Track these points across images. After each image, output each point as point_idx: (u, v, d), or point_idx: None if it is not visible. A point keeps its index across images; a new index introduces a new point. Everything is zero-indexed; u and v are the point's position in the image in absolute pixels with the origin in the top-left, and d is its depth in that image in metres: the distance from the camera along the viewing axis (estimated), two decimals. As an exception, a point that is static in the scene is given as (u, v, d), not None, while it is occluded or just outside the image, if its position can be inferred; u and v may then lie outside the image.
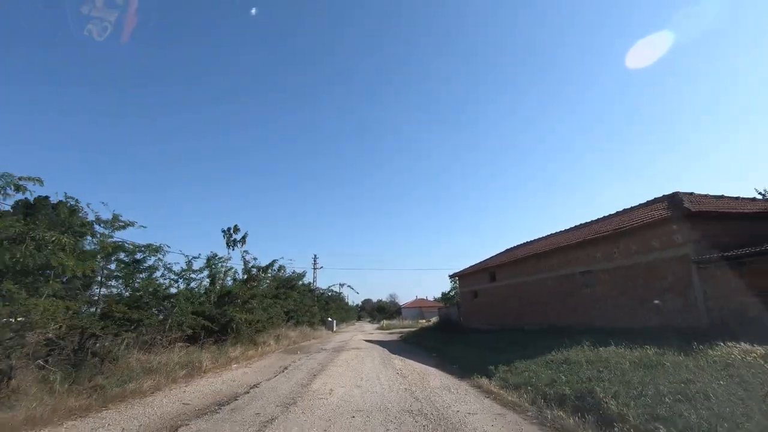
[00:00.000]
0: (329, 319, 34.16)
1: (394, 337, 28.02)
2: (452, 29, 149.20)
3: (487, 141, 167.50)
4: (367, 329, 42.67)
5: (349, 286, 41.22)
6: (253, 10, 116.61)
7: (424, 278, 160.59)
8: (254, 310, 17.28)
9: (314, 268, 40.86)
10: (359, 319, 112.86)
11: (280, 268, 25.09)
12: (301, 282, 33.46)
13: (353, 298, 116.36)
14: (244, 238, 16.92)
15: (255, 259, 18.24)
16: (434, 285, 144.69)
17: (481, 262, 24.60)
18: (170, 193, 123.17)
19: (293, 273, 31.59)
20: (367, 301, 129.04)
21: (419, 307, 79.68)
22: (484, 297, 22.70)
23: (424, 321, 49.50)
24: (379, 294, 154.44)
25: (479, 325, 22.65)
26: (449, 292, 35.32)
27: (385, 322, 43.14)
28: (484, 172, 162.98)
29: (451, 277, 27.10)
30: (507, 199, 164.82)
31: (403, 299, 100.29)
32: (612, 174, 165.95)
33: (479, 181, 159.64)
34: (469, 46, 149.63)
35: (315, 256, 41.29)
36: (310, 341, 24.33)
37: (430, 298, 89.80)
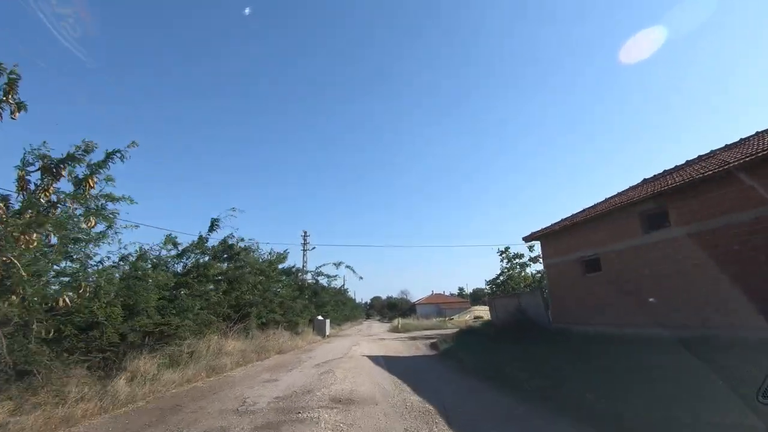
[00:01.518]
0: (319, 317, 22.46)
1: (422, 347, 16.28)
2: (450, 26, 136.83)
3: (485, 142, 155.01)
4: (377, 331, 31.03)
5: (348, 266, 27.67)
6: (247, 10, 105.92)
7: (438, 273, 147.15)
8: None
9: (303, 249, 29.07)
10: (368, 317, 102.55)
11: (212, 224, 13.49)
12: (280, 266, 22.02)
13: (361, 295, 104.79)
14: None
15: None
16: (452, 281, 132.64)
17: (611, 198, 12.49)
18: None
19: (272, 253, 20.01)
20: (376, 299, 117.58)
21: (436, 304, 67.67)
22: (625, 269, 10.75)
23: (445, 319, 37.70)
24: (388, 291, 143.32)
25: (600, 325, 10.82)
26: (498, 276, 23.36)
27: (400, 321, 31.35)
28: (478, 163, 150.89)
29: (527, 239, 15.12)
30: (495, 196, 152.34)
31: (416, 296, 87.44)
32: (610, 171, 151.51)
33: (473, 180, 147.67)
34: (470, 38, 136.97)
35: (305, 233, 29.38)
36: (263, 361, 12.67)
37: (448, 293, 77.97)
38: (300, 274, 27.09)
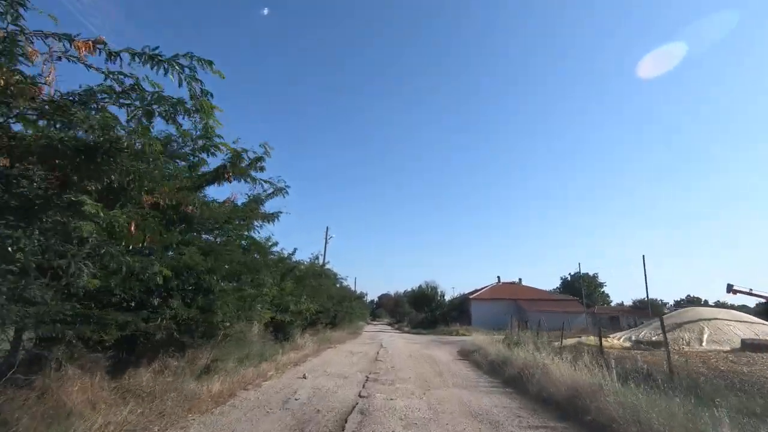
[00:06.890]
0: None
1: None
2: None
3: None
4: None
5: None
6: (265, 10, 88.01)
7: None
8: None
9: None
10: (374, 318, 73.12)
11: None
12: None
13: (364, 290, 74.66)
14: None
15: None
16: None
17: None
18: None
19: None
20: (385, 297, 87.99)
21: (513, 300, 36.86)
22: None
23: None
24: (403, 286, 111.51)
25: None
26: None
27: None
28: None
29: None
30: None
31: (448, 290, 55.53)
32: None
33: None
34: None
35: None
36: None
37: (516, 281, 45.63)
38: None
